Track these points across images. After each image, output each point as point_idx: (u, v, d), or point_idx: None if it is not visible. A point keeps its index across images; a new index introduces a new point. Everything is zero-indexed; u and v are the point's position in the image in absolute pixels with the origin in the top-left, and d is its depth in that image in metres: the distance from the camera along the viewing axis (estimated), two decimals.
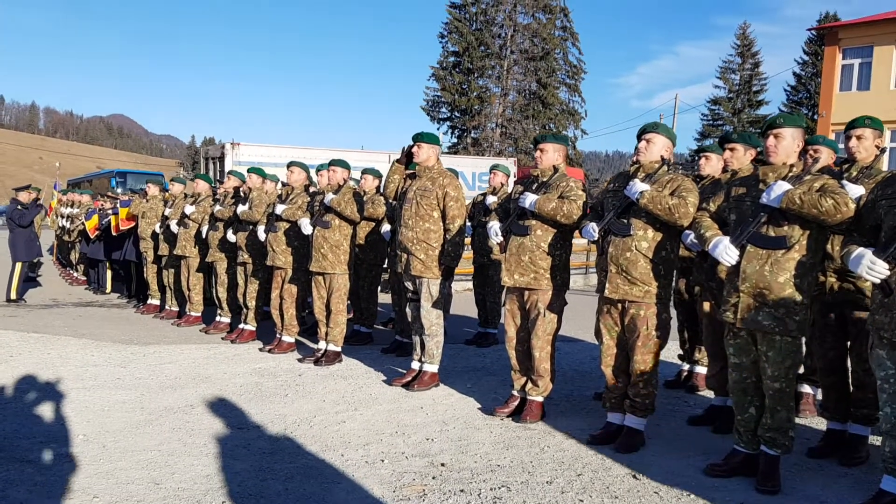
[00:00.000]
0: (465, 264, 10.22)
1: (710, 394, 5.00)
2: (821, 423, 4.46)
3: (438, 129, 41.70)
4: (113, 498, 3.44)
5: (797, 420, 4.58)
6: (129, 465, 3.88)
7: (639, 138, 4.21)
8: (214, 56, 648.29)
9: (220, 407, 5.00)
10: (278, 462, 3.94)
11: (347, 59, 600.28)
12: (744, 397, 3.71)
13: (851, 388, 4.11)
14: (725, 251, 3.57)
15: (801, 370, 4.74)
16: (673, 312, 4.41)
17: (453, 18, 41.69)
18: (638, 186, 4.03)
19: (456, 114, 42.36)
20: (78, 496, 3.46)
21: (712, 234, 3.70)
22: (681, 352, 5.70)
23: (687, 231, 4.11)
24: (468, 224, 7.26)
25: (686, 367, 5.67)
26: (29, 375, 5.80)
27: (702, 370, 5.40)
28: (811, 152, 4.09)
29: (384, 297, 8.77)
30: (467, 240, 7.10)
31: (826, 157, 4.23)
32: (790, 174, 3.53)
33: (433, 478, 3.72)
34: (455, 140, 42.24)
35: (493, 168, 7.35)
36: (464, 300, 9.77)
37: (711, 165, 5.07)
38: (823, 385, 4.24)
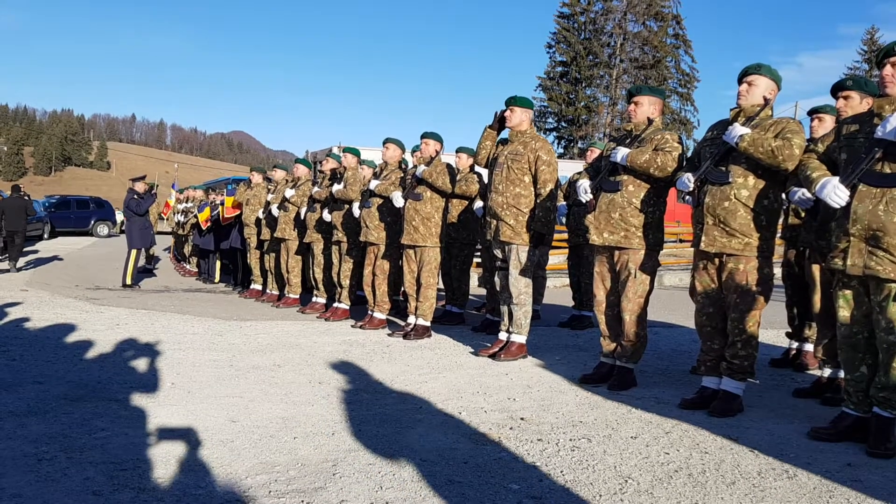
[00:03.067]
0: (561, 259, 10.04)
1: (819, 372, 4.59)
2: None
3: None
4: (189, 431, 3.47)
5: None
6: (210, 406, 3.92)
7: (740, 81, 3.91)
8: (325, 74, 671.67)
9: (306, 367, 5.01)
10: (355, 410, 3.87)
11: (454, 68, 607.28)
12: (854, 354, 3.35)
13: None
14: (834, 191, 3.24)
15: None
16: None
17: (561, 28, 41.32)
18: (737, 130, 3.74)
19: (563, 124, 41.89)
20: (155, 428, 3.51)
21: (819, 175, 3.37)
22: (789, 329, 5.29)
23: (795, 188, 3.80)
24: (563, 203, 7.05)
25: (795, 345, 5.26)
26: (131, 338, 6.01)
27: (811, 347, 4.98)
28: None
29: (479, 291, 8.63)
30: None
31: None
32: None
33: (511, 429, 3.56)
34: (562, 150, 41.74)
35: (591, 146, 7.12)
36: (559, 292, 9.54)
37: (826, 128, 4.65)
38: None
